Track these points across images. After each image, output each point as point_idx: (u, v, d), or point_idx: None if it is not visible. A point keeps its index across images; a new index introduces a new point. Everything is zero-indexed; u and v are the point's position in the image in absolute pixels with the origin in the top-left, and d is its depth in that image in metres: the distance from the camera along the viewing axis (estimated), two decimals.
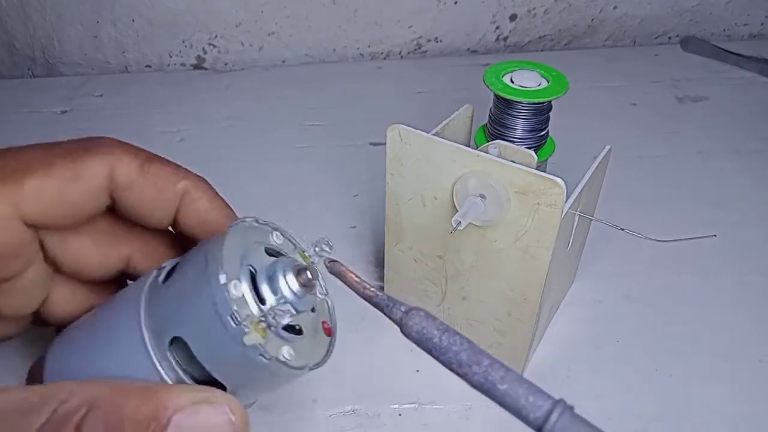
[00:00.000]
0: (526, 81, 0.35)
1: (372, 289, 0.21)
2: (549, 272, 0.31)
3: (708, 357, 0.38)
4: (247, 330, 0.20)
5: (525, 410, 0.16)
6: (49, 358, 0.24)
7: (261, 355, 0.20)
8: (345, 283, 0.21)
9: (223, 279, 0.20)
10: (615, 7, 0.76)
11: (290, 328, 0.22)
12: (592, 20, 0.77)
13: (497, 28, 0.76)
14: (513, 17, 0.75)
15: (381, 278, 0.42)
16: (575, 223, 0.34)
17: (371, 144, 0.59)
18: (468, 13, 0.74)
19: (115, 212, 0.26)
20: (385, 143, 0.33)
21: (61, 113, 0.65)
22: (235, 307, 0.20)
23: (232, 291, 0.20)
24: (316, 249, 0.23)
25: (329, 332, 0.24)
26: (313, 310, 0.24)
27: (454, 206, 0.31)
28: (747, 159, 0.56)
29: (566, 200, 0.29)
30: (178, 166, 0.26)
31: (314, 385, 0.36)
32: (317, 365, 0.22)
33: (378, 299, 0.20)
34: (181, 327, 0.21)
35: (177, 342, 0.21)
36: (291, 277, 0.22)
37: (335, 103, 0.66)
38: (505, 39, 0.77)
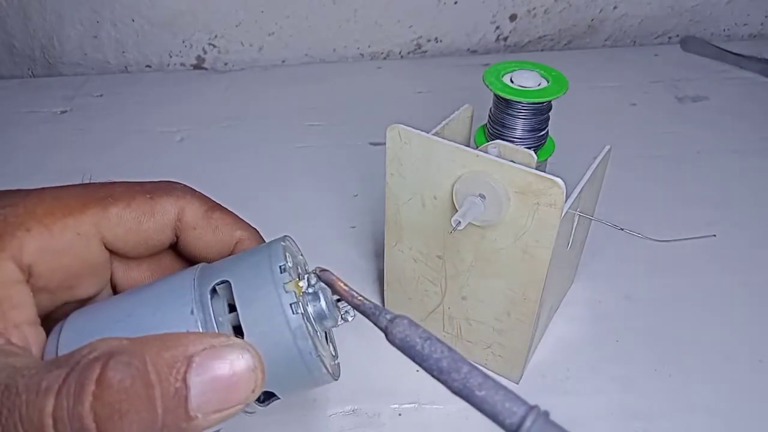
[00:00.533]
0: (526, 81, 0.35)
1: (359, 297, 0.21)
2: (549, 272, 0.31)
3: (708, 357, 0.38)
4: (288, 280, 0.22)
5: (501, 416, 0.17)
6: (63, 330, 0.24)
7: (292, 305, 0.22)
8: (334, 291, 0.23)
9: (283, 243, 0.24)
10: (615, 7, 0.76)
11: (313, 327, 0.23)
12: (592, 20, 0.77)
13: (497, 28, 0.76)
14: (513, 17, 0.75)
15: (380, 278, 0.42)
16: (575, 223, 0.34)
17: (371, 144, 0.59)
18: (468, 13, 0.74)
19: (174, 250, 0.29)
20: (385, 143, 0.33)
21: (61, 113, 0.65)
22: (284, 262, 0.23)
23: (287, 257, 0.23)
24: (342, 313, 0.25)
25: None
26: (326, 340, 0.26)
27: (454, 206, 0.31)
28: (747, 159, 0.56)
29: (566, 200, 0.29)
30: (237, 217, 0.28)
31: None
32: (327, 369, 0.23)
33: (365, 307, 0.21)
34: (230, 273, 0.23)
35: (216, 293, 0.24)
36: (328, 292, 0.24)
37: (335, 103, 0.66)
38: (505, 39, 0.77)
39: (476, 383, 0.18)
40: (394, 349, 0.36)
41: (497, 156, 0.30)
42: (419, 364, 0.19)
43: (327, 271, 0.23)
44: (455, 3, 0.73)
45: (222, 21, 0.72)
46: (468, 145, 0.34)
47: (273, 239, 0.25)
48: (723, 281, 0.43)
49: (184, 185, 0.28)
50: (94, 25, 0.72)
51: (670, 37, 0.79)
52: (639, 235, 0.39)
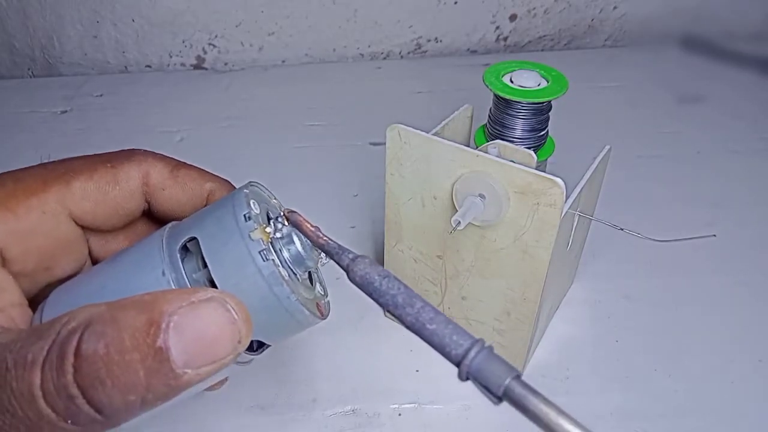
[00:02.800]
0: (526, 81, 0.35)
1: (324, 238, 0.22)
2: (548, 272, 0.31)
3: (708, 357, 0.38)
4: (255, 227, 0.22)
5: (448, 347, 0.18)
6: (46, 308, 0.24)
7: (261, 252, 0.21)
8: (301, 231, 0.23)
9: (246, 191, 0.23)
10: (615, 7, 0.76)
11: (291, 270, 0.23)
12: (592, 20, 0.77)
13: (497, 28, 0.76)
14: (513, 17, 0.75)
15: None
16: (575, 223, 0.34)
17: (371, 144, 0.59)
18: (468, 13, 0.74)
19: (150, 217, 0.28)
20: (385, 143, 0.33)
21: (61, 113, 0.65)
22: (248, 210, 0.22)
23: (252, 205, 0.23)
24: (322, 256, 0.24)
25: (321, 314, 0.25)
26: (311, 283, 0.26)
27: (454, 206, 0.31)
28: (746, 159, 0.56)
29: (566, 200, 0.29)
30: (203, 171, 0.28)
31: (314, 385, 0.36)
32: (309, 311, 0.23)
33: (329, 247, 0.22)
34: (197, 229, 0.23)
35: (188, 250, 0.23)
36: (298, 233, 0.23)
37: (335, 103, 0.66)
38: (505, 39, 0.77)
39: (428, 317, 0.19)
40: (394, 349, 0.37)
41: (497, 156, 0.30)
42: (376, 300, 0.20)
43: (295, 212, 0.23)
44: (455, 3, 0.73)
45: (222, 21, 0.72)
46: (468, 145, 0.34)
47: (237, 188, 0.25)
48: (723, 281, 0.43)
49: (145, 150, 0.28)
50: (94, 25, 0.72)
51: (670, 37, 0.79)
52: (639, 235, 0.39)
